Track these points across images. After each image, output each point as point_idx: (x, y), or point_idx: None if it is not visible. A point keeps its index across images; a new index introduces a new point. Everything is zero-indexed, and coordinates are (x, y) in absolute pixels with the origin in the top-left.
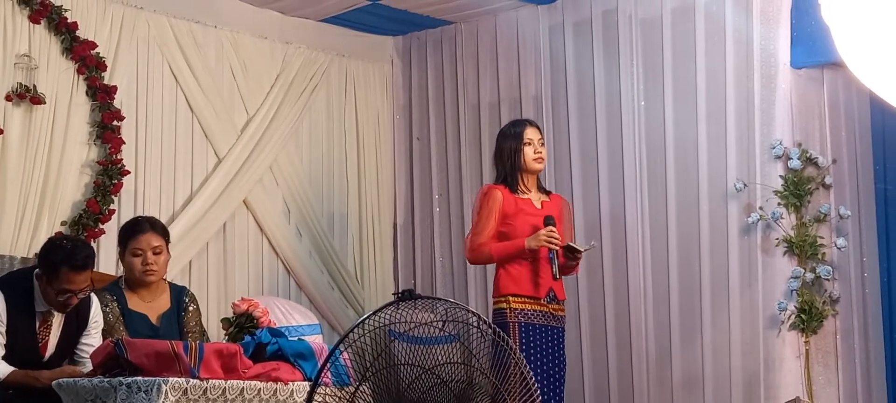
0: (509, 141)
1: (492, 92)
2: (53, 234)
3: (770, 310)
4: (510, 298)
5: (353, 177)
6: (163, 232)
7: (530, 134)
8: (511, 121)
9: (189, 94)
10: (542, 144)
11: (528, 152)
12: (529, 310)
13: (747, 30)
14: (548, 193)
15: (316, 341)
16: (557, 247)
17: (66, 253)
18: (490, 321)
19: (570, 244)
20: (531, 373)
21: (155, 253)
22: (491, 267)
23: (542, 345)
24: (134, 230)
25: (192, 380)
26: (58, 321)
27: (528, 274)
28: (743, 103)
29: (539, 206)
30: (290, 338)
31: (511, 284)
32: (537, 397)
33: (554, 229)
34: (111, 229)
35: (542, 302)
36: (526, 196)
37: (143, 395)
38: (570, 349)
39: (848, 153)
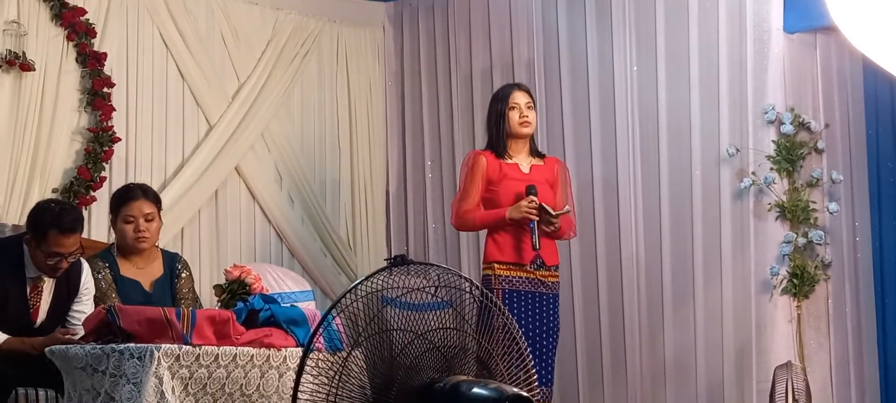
0: (496, 104)
1: (484, 58)
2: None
3: (762, 275)
4: (495, 265)
5: (346, 143)
6: (155, 198)
7: (517, 97)
8: (501, 86)
9: (180, 61)
10: (530, 108)
11: (513, 116)
12: (514, 277)
13: None
14: (542, 156)
15: (308, 307)
16: (536, 218)
17: (54, 215)
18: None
19: (543, 205)
20: (523, 338)
21: (147, 220)
22: (483, 236)
23: (529, 312)
24: (126, 197)
25: (184, 347)
26: (49, 287)
27: (512, 242)
28: (735, 68)
29: (527, 171)
30: (282, 305)
31: (496, 252)
32: (530, 362)
33: (535, 199)
34: (102, 196)
35: (527, 268)
36: (512, 161)
37: (136, 362)
38: (563, 315)
39: (840, 118)
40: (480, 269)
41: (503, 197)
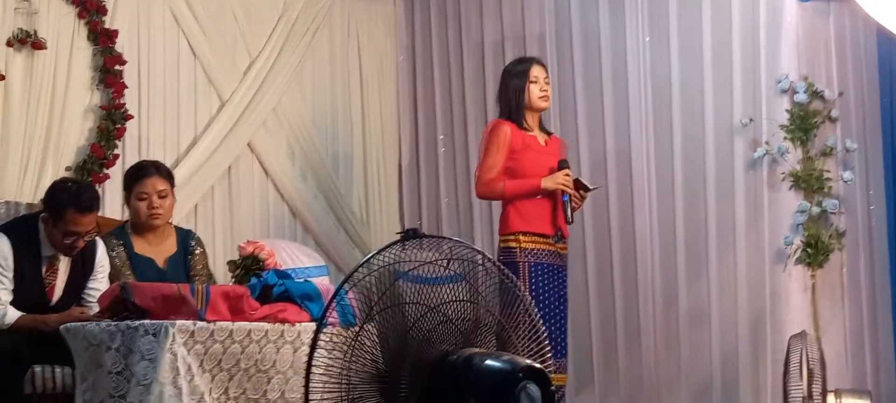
0: (515, 79)
1: (495, 31)
2: (58, 178)
3: (776, 245)
4: (520, 236)
5: (357, 118)
6: (168, 175)
7: (536, 72)
8: (516, 59)
9: (191, 38)
10: (548, 82)
11: (534, 90)
12: (539, 250)
13: None
14: (549, 133)
15: (322, 282)
16: (572, 192)
17: (72, 194)
18: (499, 258)
19: (580, 178)
20: (537, 311)
21: (160, 197)
22: (497, 206)
23: (550, 285)
24: (139, 174)
25: (199, 322)
26: (64, 265)
27: (539, 212)
28: (748, 38)
29: (543, 144)
30: (296, 280)
31: (521, 222)
32: (544, 334)
33: (570, 173)
34: (115, 174)
35: (550, 240)
36: (531, 133)
37: (151, 338)
38: (576, 288)
39: (854, 86)
40: (496, 241)
41: (527, 166)
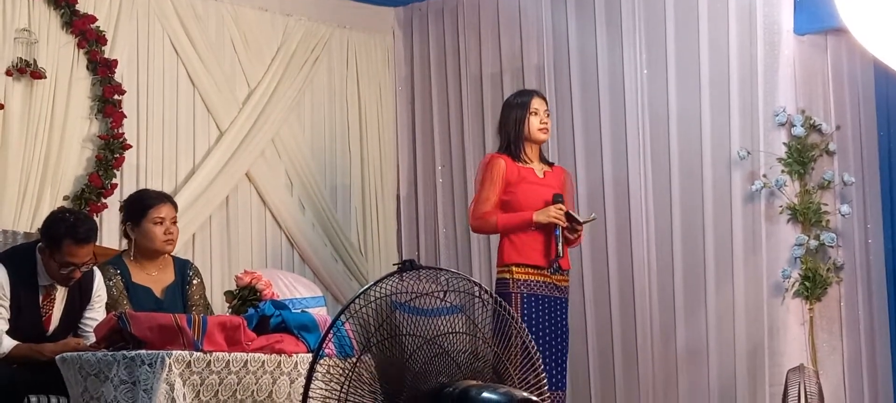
0: (515, 110)
1: (494, 62)
2: (56, 208)
3: (774, 278)
4: (513, 268)
5: (356, 148)
6: (175, 205)
7: (536, 104)
8: (518, 91)
9: (190, 67)
10: (548, 115)
11: (534, 122)
12: (533, 281)
13: None
14: (550, 164)
15: (320, 313)
16: (563, 225)
17: (69, 225)
18: (493, 290)
19: (571, 213)
20: (533, 342)
21: (172, 223)
22: (495, 238)
23: (545, 316)
24: (154, 200)
25: (195, 353)
26: (61, 295)
27: (532, 244)
28: (746, 70)
29: (541, 176)
30: (293, 310)
31: (514, 254)
32: (540, 366)
33: (563, 207)
34: (113, 203)
35: (545, 272)
36: (528, 165)
37: (147, 368)
38: (574, 318)
39: (852, 119)
40: (493, 273)
41: (521, 199)
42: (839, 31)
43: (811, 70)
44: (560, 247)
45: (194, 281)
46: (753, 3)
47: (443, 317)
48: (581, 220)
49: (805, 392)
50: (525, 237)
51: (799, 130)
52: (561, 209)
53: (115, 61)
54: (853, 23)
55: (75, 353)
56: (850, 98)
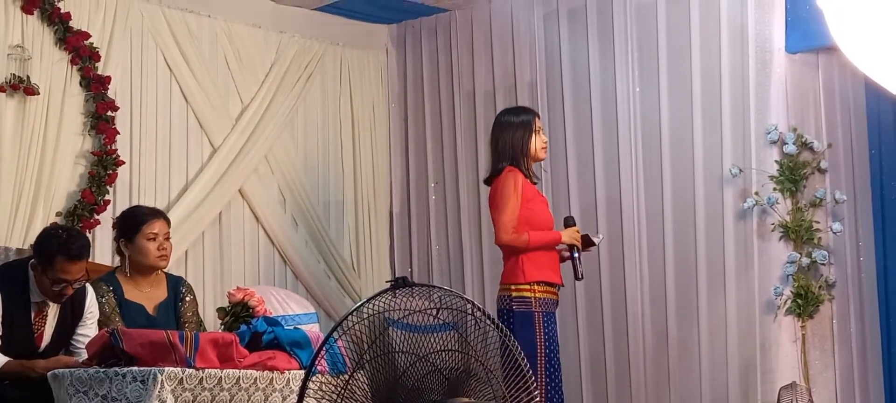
0: (519, 129)
1: (487, 79)
2: (48, 225)
3: (766, 295)
4: (536, 286)
5: (349, 165)
6: (168, 221)
7: (538, 123)
8: (513, 109)
9: (183, 84)
10: (545, 134)
11: (538, 141)
12: (548, 299)
13: (742, 15)
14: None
15: (312, 330)
16: (580, 247)
17: (62, 242)
18: (509, 306)
19: (588, 235)
20: (526, 360)
21: (166, 239)
22: (488, 255)
23: (555, 334)
24: (148, 215)
25: (187, 370)
26: (53, 311)
27: (551, 263)
28: (738, 89)
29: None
30: (286, 327)
31: (536, 272)
32: (532, 383)
33: (579, 229)
34: (106, 220)
35: (555, 289)
36: (534, 182)
37: (139, 385)
38: (568, 335)
39: (843, 137)
40: (486, 290)
41: (536, 216)
42: (830, 50)
43: (803, 88)
44: (581, 270)
45: (187, 298)
46: (745, 21)
47: (436, 334)
48: (596, 241)
49: None
50: (544, 255)
51: (791, 148)
52: (578, 231)
53: (109, 78)
54: (844, 41)
55: (67, 370)
56: (841, 116)
